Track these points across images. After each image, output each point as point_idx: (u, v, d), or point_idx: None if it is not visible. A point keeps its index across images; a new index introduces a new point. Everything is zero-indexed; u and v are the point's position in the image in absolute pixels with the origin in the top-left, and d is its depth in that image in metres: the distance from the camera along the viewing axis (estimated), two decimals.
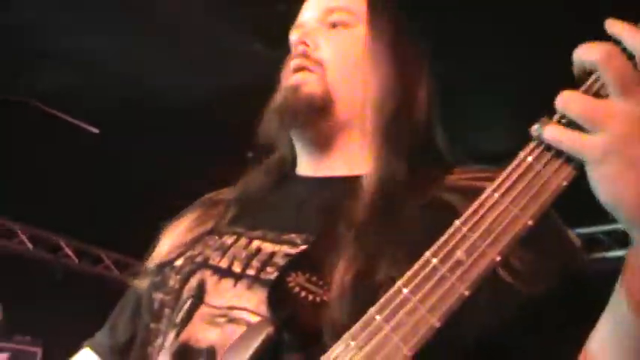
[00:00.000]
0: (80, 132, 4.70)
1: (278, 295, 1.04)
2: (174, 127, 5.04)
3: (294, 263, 1.08)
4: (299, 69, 1.27)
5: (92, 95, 4.90)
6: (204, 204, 1.36)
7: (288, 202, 1.26)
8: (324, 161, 1.29)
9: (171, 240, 1.30)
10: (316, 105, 1.24)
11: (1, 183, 5.62)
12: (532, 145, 0.90)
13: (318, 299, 1.02)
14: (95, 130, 4.64)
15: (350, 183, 1.21)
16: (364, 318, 0.90)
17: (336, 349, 0.91)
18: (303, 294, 1.03)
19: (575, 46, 0.89)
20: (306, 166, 1.32)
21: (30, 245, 7.44)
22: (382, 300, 0.90)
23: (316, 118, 1.25)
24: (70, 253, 7.76)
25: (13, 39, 4.43)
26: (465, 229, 0.89)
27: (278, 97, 1.29)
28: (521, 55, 4.19)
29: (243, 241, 1.19)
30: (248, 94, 4.32)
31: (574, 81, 0.91)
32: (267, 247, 1.16)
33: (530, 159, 0.89)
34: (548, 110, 0.90)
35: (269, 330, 1.01)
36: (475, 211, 0.90)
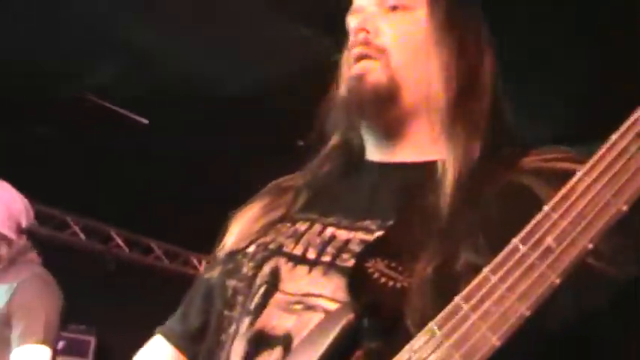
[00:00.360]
0: (130, 123, 4.74)
1: (358, 281, 1.02)
2: (223, 117, 5.05)
3: (373, 249, 1.05)
4: (361, 57, 1.23)
5: (142, 86, 4.93)
6: (272, 191, 1.34)
7: (360, 188, 1.24)
8: (394, 147, 1.26)
9: (241, 228, 1.28)
10: (382, 94, 1.21)
11: (54, 175, 5.70)
12: (626, 126, 0.86)
13: (398, 285, 1.00)
14: (145, 121, 4.67)
15: (424, 169, 1.19)
16: (450, 306, 0.88)
17: (421, 338, 0.89)
18: (383, 280, 1.01)
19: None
20: (376, 152, 1.29)
21: (82, 236, 7.55)
22: (468, 288, 0.88)
23: (383, 106, 1.22)
24: (121, 243, 7.85)
25: (67, 33, 4.47)
26: (555, 216, 0.86)
27: (342, 88, 1.26)
28: (576, 41, 4.10)
29: (317, 227, 1.17)
30: (299, 81, 4.32)
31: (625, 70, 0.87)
32: (342, 233, 1.14)
33: (624, 142, 0.86)
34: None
35: (349, 317, 0.99)
36: (565, 197, 0.87)
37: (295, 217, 1.23)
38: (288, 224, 1.21)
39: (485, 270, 0.88)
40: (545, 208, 0.87)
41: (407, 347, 0.90)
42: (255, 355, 1.08)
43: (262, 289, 1.13)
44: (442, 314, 0.88)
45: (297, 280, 1.11)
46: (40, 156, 5.61)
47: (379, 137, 1.27)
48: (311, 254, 1.13)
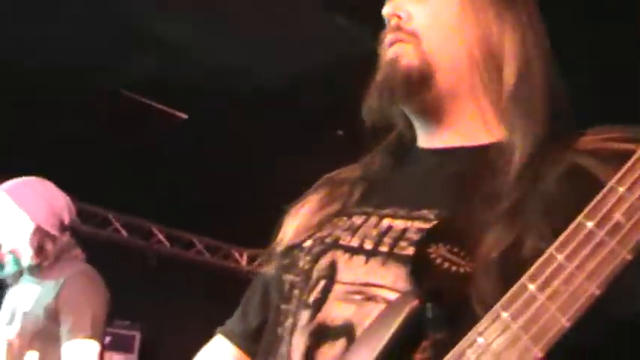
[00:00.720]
0: (169, 118, 4.75)
1: (420, 268, 1.00)
2: (261, 109, 5.05)
3: (433, 235, 1.03)
4: (394, 42, 1.23)
5: (180, 82, 4.94)
6: (327, 184, 1.33)
7: (414, 177, 1.22)
8: (442, 133, 1.23)
9: (297, 222, 1.27)
10: (415, 76, 1.19)
11: (94, 173, 5.75)
12: None
13: (462, 270, 0.98)
14: (184, 116, 4.68)
15: (477, 153, 1.16)
16: (515, 287, 0.85)
17: (486, 321, 0.87)
18: (446, 265, 0.98)
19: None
20: (426, 139, 1.26)
21: (124, 233, 7.63)
22: (534, 268, 0.85)
23: (417, 89, 1.20)
24: (162, 238, 7.92)
25: (104, 28, 4.50)
26: (622, 190, 0.82)
27: (378, 75, 1.24)
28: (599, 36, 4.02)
29: (373, 220, 1.15)
30: (337, 71, 4.30)
31: None
32: (399, 224, 1.11)
33: None
34: None
35: (413, 304, 0.97)
36: (630, 170, 0.83)
37: (351, 210, 1.21)
38: (345, 218, 1.20)
39: (551, 249, 0.85)
40: (611, 182, 0.84)
41: (472, 331, 0.88)
42: (316, 348, 1.07)
43: (322, 283, 1.12)
44: (508, 296, 0.85)
45: (354, 270, 1.10)
46: (80, 154, 5.66)
47: (422, 122, 1.26)
48: (368, 245, 1.11)
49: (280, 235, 1.28)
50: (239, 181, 6.40)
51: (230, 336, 1.37)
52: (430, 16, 1.22)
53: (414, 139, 1.29)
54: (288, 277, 1.18)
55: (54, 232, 2.94)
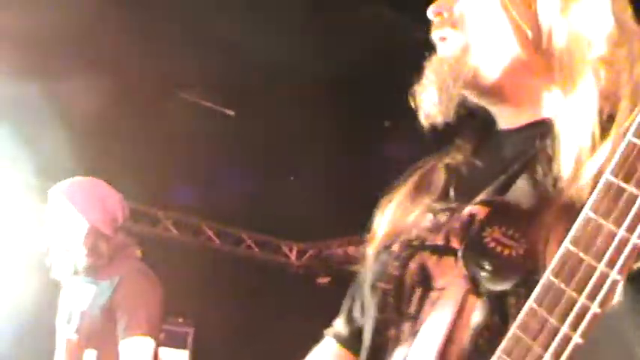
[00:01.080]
0: (218, 115, 4.77)
1: (473, 252, 1.01)
2: (309, 102, 5.04)
3: (490, 218, 1.04)
4: (439, 39, 1.25)
5: (228, 78, 4.96)
6: (415, 178, 1.33)
7: (493, 162, 1.22)
8: (509, 113, 1.25)
9: (386, 221, 1.28)
10: (464, 71, 1.20)
11: (142, 171, 5.81)
12: None
13: (514, 253, 0.98)
14: (231, 113, 4.70)
15: (536, 129, 1.16)
16: (560, 253, 0.84)
17: (539, 290, 0.86)
18: (499, 249, 0.99)
19: None
20: (500, 121, 1.28)
21: (175, 231, 7.71)
22: (574, 231, 0.84)
23: (470, 82, 1.21)
24: (212, 235, 7.99)
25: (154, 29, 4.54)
26: None
27: (431, 68, 1.25)
28: None
29: (456, 215, 1.15)
30: (384, 62, 4.28)
31: None
32: (480, 213, 1.11)
33: None
34: None
35: (465, 291, 0.99)
36: None
37: (436, 207, 1.22)
38: (430, 215, 1.20)
39: (585, 209, 0.84)
40: (629, 137, 0.82)
41: (528, 302, 0.87)
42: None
43: (418, 292, 1.12)
44: (555, 263, 0.85)
45: (446, 272, 1.09)
46: (129, 153, 5.73)
47: (492, 107, 1.27)
48: (454, 243, 1.11)
49: (371, 234, 1.29)
50: (286, 175, 6.43)
51: (338, 338, 1.38)
52: (475, 11, 1.23)
53: (494, 122, 1.29)
54: (381, 285, 1.18)
55: (108, 231, 2.98)
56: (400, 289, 1.13)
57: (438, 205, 1.21)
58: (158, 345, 2.85)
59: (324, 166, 5.89)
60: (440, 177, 1.27)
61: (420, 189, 1.28)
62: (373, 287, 1.20)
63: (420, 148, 1.34)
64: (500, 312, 0.98)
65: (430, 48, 1.29)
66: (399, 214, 1.26)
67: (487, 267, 0.99)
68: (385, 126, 4.80)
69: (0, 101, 4.90)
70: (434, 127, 1.29)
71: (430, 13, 1.27)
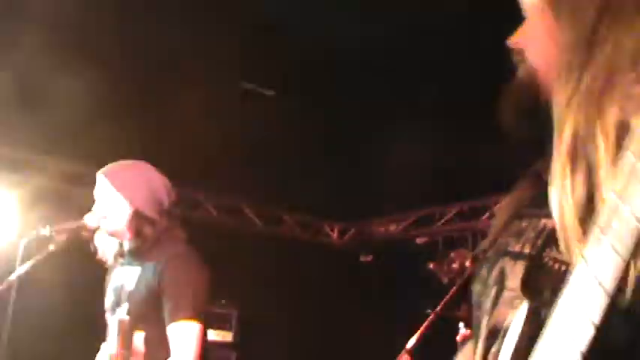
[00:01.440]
0: (257, 96, 4.75)
1: (534, 272, 1.08)
2: (352, 80, 5.00)
3: (550, 237, 1.09)
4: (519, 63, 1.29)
5: (271, 59, 4.93)
6: (522, 182, 1.37)
7: None
8: None
9: (495, 223, 1.35)
10: (530, 91, 1.23)
11: (185, 154, 5.84)
12: None
13: (563, 268, 1.03)
14: (271, 93, 4.68)
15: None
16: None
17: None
18: (556, 266, 1.05)
19: None
20: None
21: (215, 213, 7.76)
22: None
23: (539, 98, 1.23)
24: (253, 217, 8.03)
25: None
26: None
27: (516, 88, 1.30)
28: None
29: (535, 221, 1.21)
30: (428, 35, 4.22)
31: None
32: (550, 223, 1.15)
33: None
34: None
35: (524, 307, 1.04)
36: None
37: (523, 213, 1.27)
38: (517, 221, 1.26)
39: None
40: None
41: None
42: (488, 352, 1.16)
43: (494, 291, 1.20)
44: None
45: (517, 276, 1.16)
46: (170, 137, 5.76)
47: None
48: (526, 249, 1.18)
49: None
50: (325, 156, 6.42)
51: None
52: (527, 36, 1.26)
53: None
54: (477, 288, 1.28)
55: (153, 215, 3.00)
56: (486, 289, 1.23)
57: (525, 211, 1.26)
58: (205, 328, 2.87)
59: (363, 147, 5.87)
60: (535, 182, 1.29)
61: (524, 192, 1.32)
62: (472, 288, 1.29)
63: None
64: None
65: None
66: (504, 217, 1.32)
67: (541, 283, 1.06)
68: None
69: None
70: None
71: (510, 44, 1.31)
